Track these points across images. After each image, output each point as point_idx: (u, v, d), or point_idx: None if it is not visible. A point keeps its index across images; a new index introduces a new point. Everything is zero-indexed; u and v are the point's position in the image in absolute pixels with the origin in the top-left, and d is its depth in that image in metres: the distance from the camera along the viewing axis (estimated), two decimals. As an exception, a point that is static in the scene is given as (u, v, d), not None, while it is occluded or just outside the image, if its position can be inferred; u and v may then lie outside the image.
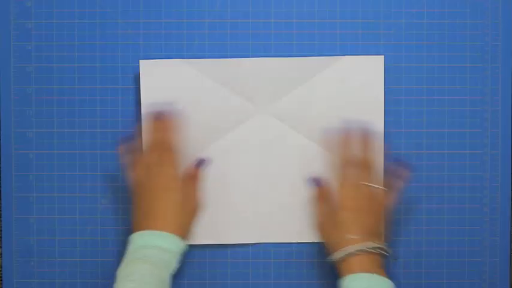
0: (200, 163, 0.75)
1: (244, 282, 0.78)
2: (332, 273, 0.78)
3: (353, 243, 0.67)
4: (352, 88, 0.75)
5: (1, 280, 0.78)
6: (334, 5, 0.77)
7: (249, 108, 0.76)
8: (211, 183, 0.76)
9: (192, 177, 0.74)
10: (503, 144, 0.77)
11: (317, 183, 0.75)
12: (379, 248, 0.68)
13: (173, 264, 0.67)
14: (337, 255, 0.68)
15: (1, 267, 0.78)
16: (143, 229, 0.68)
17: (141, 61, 0.75)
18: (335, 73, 0.76)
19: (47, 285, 0.78)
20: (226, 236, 0.77)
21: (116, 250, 0.78)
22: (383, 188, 0.72)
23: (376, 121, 0.75)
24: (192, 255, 0.77)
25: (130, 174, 0.73)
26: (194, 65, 0.75)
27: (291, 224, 0.77)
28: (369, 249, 0.67)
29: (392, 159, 0.75)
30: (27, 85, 0.77)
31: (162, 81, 0.75)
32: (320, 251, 0.78)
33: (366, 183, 0.70)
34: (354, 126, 0.74)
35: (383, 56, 0.76)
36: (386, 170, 0.74)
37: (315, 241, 0.77)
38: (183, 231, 0.70)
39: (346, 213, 0.69)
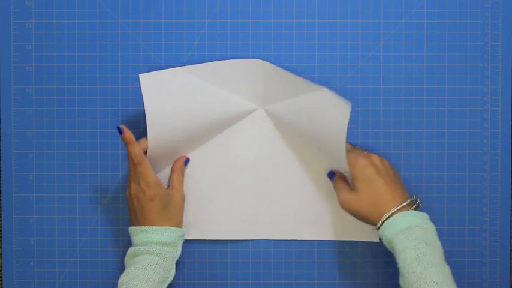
0: (185, 161, 0.76)
1: (244, 282, 0.78)
2: (332, 273, 0.78)
3: (396, 203, 0.69)
4: (320, 120, 0.71)
5: (1, 280, 0.78)
6: (334, 5, 0.77)
7: (247, 108, 0.76)
8: (208, 181, 0.77)
9: (176, 171, 0.75)
10: (503, 144, 0.77)
11: (332, 174, 0.76)
12: (414, 199, 0.70)
13: (177, 252, 0.71)
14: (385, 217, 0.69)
15: (1, 267, 0.78)
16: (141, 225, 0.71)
17: (140, 75, 0.71)
18: (313, 99, 0.72)
19: (47, 285, 0.78)
20: (224, 232, 0.77)
21: (116, 250, 0.78)
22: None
23: (339, 143, 0.70)
24: (192, 254, 0.78)
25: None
26: (192, 71, 0.74)
27: (289, 221, 0.77)
28: (408, 202, 0.69)
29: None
30: (27, 85, 0.77)
31: (163, 91, 0.72)
32: (320, 250, 0.78)
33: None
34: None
35: (350, 104, 0.68)
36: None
37: (314, 239, 0.77)
38: (176, 222, 0.73)
39: (379, 179, 0.70)
